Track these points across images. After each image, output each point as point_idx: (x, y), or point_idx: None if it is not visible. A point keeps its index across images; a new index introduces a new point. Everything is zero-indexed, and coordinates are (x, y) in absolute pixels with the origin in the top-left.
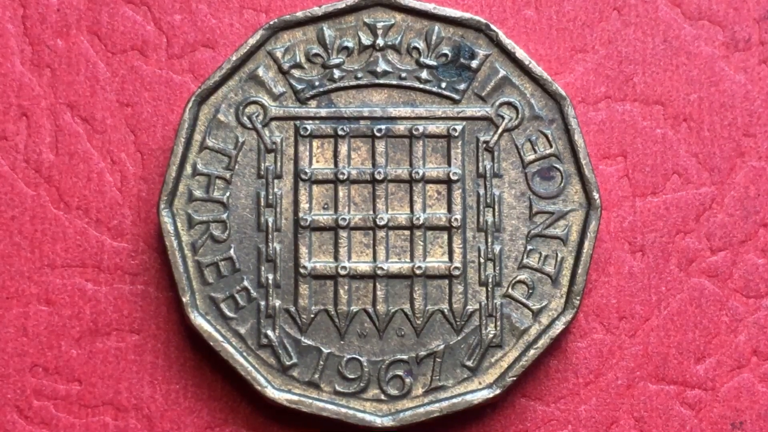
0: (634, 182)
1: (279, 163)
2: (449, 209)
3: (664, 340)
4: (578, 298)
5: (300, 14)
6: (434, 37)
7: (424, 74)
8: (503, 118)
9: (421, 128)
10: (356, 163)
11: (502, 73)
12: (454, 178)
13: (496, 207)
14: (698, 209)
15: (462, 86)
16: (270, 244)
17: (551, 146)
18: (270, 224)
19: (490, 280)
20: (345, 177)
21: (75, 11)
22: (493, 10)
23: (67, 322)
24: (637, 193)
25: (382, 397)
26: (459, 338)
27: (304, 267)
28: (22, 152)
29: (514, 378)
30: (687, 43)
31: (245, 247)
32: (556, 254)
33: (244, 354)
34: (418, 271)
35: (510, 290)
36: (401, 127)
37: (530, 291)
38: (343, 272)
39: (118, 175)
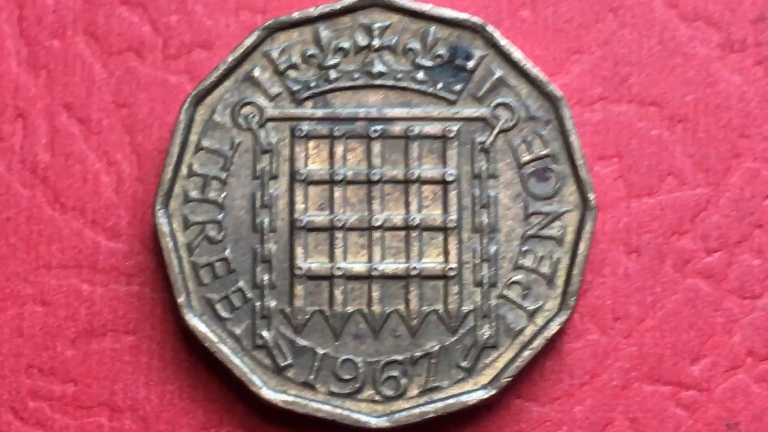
0: (630, 183)
1: (275, 164)
2: (445, 210)
3: (659, 340)
4: (573, 298)
5: (296, 15)
6: (430, 38)
7: (420, 75)
8: (499, 119)
9: (416, 129)
10: (352, 163)
11: (498, 74)
12: (450, 179)
13: (492, 208)
14: (693, 210)
15: (458, 87)
16: (265, 245)
17: (547, 147)
18: (265, 225)
19: (485, 280)
20: (341, 178)
21: (71, 12)
22: (489, 11)
23: (62, 323)
24: (632, 194)
25: (377, 397)
26: (454, 339)
27: (300, 268)
28: (17, 153)
29: (509, 379)
30: (683, 45)
31: (241, 247)
32: (552, 255)
33: (240, 355)
34: (413, 272)
35: (505, 291)
36: (397, 128)
37: (525, 292)
38: (338, 273)
39: (113, 176)
